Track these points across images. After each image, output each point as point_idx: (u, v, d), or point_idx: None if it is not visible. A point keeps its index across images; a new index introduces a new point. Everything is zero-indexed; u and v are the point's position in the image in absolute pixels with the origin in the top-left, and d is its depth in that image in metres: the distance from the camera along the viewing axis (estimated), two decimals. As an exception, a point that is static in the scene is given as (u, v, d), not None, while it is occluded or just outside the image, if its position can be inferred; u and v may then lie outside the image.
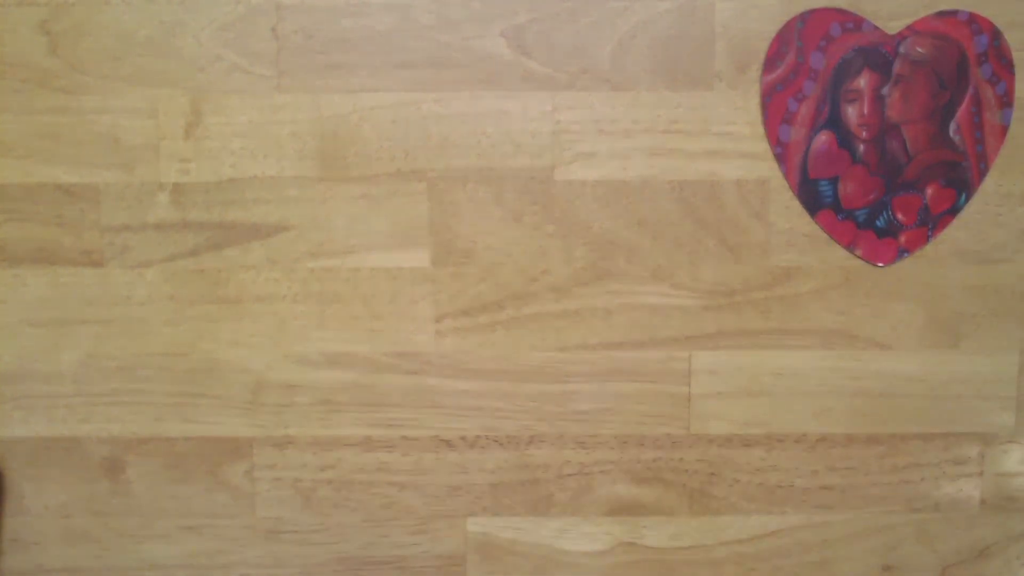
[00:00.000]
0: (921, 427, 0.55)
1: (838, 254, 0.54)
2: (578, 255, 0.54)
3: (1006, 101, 0.52)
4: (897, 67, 0.52)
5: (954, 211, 0.53)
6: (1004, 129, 0.52)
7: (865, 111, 0.52)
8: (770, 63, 0.52)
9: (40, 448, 0.55)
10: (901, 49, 0.52)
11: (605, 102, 0.52)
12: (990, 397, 0.54)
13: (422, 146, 0.53)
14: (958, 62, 0.52)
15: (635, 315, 0.54)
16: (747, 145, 0.53)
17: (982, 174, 0.53)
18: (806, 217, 0.53)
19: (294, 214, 0.53)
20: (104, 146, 0.53)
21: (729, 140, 0.53)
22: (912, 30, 0.52)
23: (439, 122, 0.53)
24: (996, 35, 0.52)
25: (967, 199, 0.53)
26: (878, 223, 0.53)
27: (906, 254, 0.53)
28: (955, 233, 0.53)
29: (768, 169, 0.53)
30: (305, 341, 0.54)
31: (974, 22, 0.51)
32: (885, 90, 0.52)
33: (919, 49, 0.52)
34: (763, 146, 0.53)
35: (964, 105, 0.52)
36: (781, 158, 0.53)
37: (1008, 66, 0.52)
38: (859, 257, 0.54)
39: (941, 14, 0.52)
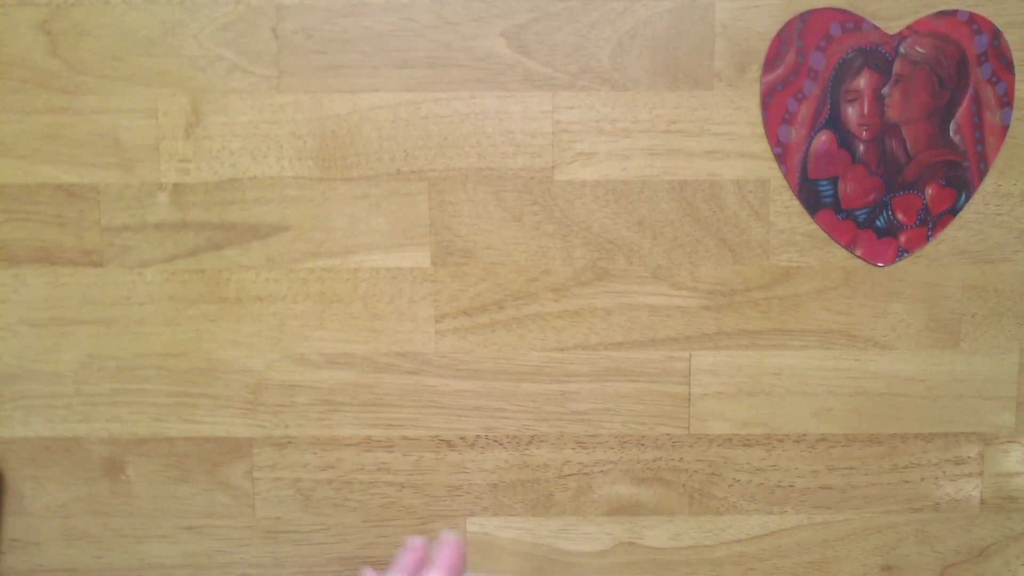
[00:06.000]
0: (921, 427, 0.55)
1: (838, 254, 0.54)
2: (578, 255, 0.54)
3: (1006, 101, 0.52)
4: (897, 67, 0.52)
5: (954, 211, 0.53)
6: (1004, 129, 0.52)
7: (865, 111, 0.52)
8: (770, 63, 0.52)
9: (40, 448, 0.55)
10: (901, 49, 0.52)
11: (605, 102, 0.52)
12: (990, 397, 0.54)
13: (422, 146, 0.53)
14: (958, 62, 0.52)
15: (635, 315, 0.54)
16: (747, 145, 0.53)
17: (982, 174, 0.53)
18: (806, 217, 0.53)
19: (294, 214, 0.53)
20: (104, 146, 0.53)
21: (729, 140, 0.53)
22: (912, 30, 0.52)
23: (439, 122, 0.53)
24: (996, 35, 0.52)
25: (967, 199, 0.53)
26: (878, 223, 0.53)
27: (906, 254, 0.53)
28: (955, 233, 0.53)
29: (768, 169, 0.53)
30: (305, 341, 0.54)
31: (974, 22, 0.51)
32: (885, 90, 0.52)
33: (919, 49, 0.52)
34: (763, 146, 0.53)
35: (964, 105, 0.52)
36: (781, 158, 0.53)
37: (1008, 66, 0.52)
38: (859, 257, 0.53)
39: (941, 14, 0.51)
